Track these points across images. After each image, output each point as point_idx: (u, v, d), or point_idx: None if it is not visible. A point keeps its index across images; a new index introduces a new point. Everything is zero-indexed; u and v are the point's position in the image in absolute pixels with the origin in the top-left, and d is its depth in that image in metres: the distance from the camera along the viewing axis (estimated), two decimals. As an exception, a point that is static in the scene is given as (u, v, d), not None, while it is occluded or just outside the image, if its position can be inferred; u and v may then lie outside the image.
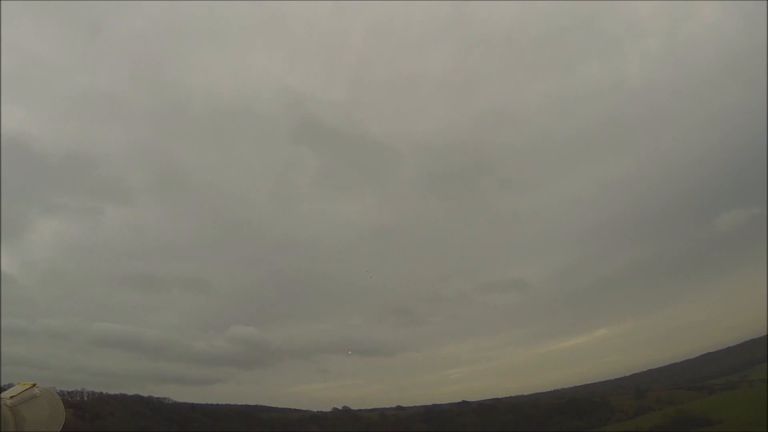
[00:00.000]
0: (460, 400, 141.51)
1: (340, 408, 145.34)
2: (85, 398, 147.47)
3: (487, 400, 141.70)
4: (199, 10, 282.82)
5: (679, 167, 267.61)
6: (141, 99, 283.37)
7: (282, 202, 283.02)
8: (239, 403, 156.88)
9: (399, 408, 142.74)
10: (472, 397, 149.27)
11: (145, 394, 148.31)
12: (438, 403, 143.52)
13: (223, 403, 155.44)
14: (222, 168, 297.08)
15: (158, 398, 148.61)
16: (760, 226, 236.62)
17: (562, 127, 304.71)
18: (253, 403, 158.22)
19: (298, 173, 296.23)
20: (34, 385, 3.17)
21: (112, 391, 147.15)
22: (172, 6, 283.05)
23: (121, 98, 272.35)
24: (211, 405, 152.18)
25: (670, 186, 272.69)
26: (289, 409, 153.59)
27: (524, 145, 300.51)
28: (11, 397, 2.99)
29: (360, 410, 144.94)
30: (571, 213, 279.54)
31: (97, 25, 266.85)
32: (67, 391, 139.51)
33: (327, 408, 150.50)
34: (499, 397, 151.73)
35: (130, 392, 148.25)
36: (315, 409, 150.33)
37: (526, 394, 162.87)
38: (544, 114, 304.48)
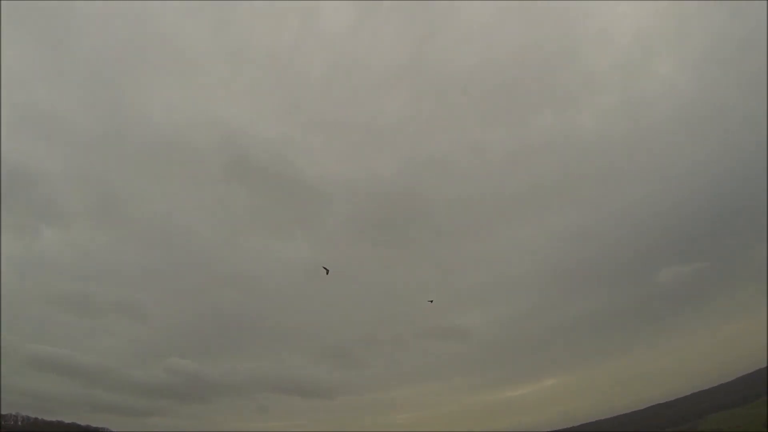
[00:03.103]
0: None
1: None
2: (20, 423, 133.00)
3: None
4: (166, 36, 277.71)
5: (631, 221, 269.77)
6: (86, 122, 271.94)
7: (220, 238, 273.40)
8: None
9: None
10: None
11: (82, 422, 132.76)
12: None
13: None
14: (161, 199, 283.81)
15: (96, 428, 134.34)
16: (703, 281, 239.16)
17: (514, 177, 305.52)
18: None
19: (235, 210, 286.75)
20: None
21: (48, 417, 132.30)
22: (137, 31, 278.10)
23: (67, 119, 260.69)
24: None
25: (618, 239, 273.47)
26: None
27: (473, 194, 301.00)
28: None
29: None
30: (519, 263, 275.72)
31: (61, 42, 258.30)
32: (1, 414, 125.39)
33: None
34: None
35: (67, 419, 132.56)
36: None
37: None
38: (496, 164, 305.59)
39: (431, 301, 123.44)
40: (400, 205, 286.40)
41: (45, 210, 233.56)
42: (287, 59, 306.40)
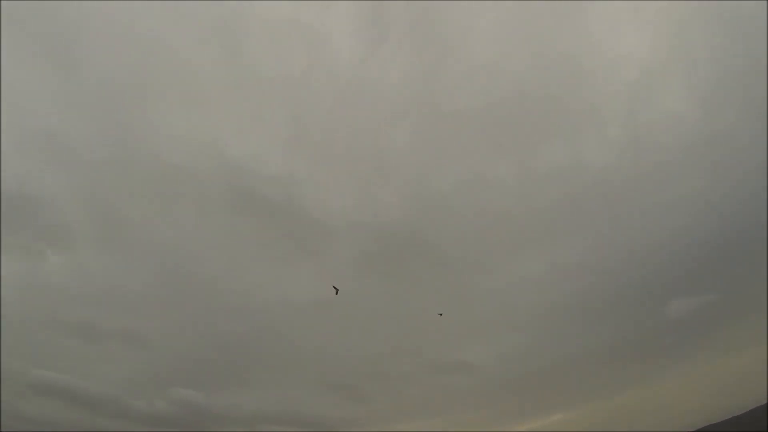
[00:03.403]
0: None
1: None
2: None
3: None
4: (176, 62, 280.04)
5: (636, 252, 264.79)
6: (93, 146, 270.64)
7: (226, 267, 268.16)
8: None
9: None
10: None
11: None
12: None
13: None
14: (167, 227, 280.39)
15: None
16: (712, 313, 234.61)
17: (519, 208, 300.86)
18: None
19: (241, 240, 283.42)
20: None
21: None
22: (147, 57, 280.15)
23: (74, 143, 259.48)
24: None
25: (626, 271, 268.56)
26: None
27: (477, 225, 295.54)
28: None
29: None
30: (526, 296, 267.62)
31: (69, 66, 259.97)
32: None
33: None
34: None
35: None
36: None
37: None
38: (502, 196, 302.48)
39: (440, 314, 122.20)
40: (405, 238, 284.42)
41: (50, 234, 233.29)
42: (295, 90, 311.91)
